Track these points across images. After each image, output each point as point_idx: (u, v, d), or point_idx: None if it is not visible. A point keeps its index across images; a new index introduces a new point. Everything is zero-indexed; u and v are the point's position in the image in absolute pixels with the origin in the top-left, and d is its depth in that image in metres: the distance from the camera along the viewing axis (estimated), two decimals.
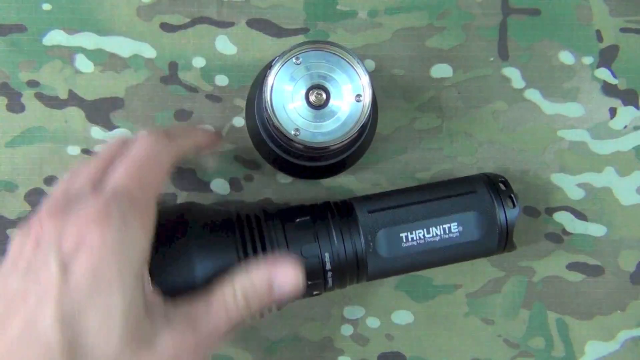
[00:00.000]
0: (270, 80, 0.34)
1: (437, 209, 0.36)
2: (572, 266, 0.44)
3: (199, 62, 0.43)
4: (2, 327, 0.29)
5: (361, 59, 0.35)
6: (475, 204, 0.37)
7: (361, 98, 0.35)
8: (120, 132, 0.43)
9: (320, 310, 0.43)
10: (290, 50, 0.34)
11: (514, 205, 0.37)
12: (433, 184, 0.39)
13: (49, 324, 0.28)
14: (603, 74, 0.44)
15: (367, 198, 0.38)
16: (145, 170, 0.33)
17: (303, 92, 0.35)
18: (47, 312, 0.28)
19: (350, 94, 0.35)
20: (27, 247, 0.30)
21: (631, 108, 0.44)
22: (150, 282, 0.31)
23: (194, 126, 0.42)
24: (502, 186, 0.38)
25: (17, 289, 0.29)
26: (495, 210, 0.37)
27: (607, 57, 0.44)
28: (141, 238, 0.31)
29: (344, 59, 0.35)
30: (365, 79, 0.34)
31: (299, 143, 0.35)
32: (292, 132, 0.34)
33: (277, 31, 0.43)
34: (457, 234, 0.36)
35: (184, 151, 0.36)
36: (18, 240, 0.31)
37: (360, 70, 0.35)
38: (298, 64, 0.35)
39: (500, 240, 0.37)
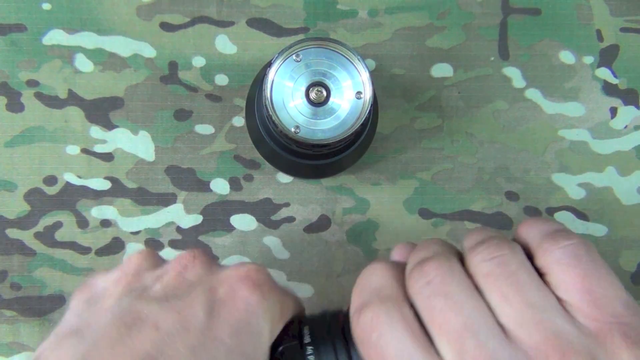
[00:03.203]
0: (270, 76, 0.34)
1: None
2: None
3: (198, 61, 0.43)
4: (121, 343, 0.26)
5: (361, 56, 0.35)
6: None
7: (361, 95, 0.35)
8: (119, 132, 0.43)
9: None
10: (291, 47, 0.34)
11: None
12: None
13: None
14: (603, 73, 0.44)
15: None
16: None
17: (303, 89, 0.35)
18: (179, 347, 0.26)
19: (351, 91, 0.35)
20: (171, 273, 0.30)
21: (632, 108, 0.44)
22: None
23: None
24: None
25: (149, 311, 0.27)
26: None
27: (607, 57, 0.44)
28: (270, 317, 0.29)
29: (344, 56, 0.35)
30: (365, 75, 0.34)
31: (299, 141, 0.34)
32: (292, 130, 0.34)
33: (277, 30, 0.43)
34: None
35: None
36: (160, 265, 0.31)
37: (361, 67, 0.34)
38: (298, 61, 0.35)
39: None
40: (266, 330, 0.29)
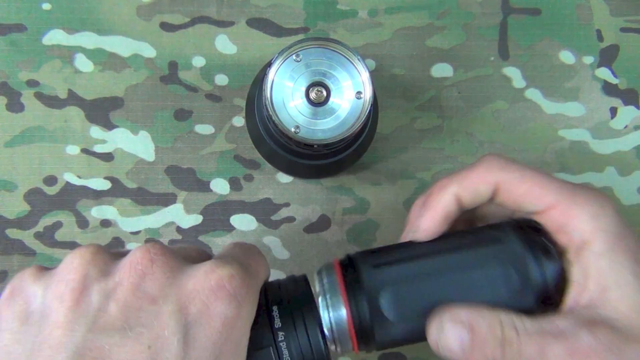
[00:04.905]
0: (270, 76, 0.34)
1: (455, 263, 0.29)
2: None
3: (198, 61, 0.43)
4: None
5: (361, 56, 0.35)
6: (502, 257, 0.28)
7: (361, 95, 0.35)
8: (119, 132, 0.43)
9: None
10: (291, 47, 0.34)
11: (550, 255, 0.28)
12: (448, 235, 0.31)
13: None
14: (604, 73, 0.44)
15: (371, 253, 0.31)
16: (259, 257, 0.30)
17: (303, 89, 0.35)
18: None
19: (351, 91, 0.35)
20: (126, 286, 0.25)
21: (632, 108, 0.44)
22: None
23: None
24: (534, 233, 0.29)
25: (111, 346, 0.23)
26: (527, 263, 0.28)
27: (607, 57, 0.44)
28: (249, 321, 0.27)
29: (344, 56, 0.35)
30: (365, 75, 0.34)
31: (299, 141, 0.34)
32: (293, 130, 0.34)
33: (277, 30, 0.43)
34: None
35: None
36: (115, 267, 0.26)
37: (361, 66, 0.34)
38: (298, 61, 0.35)
39: (538, 300, 0.28)
40: (246, 336, 0.26)
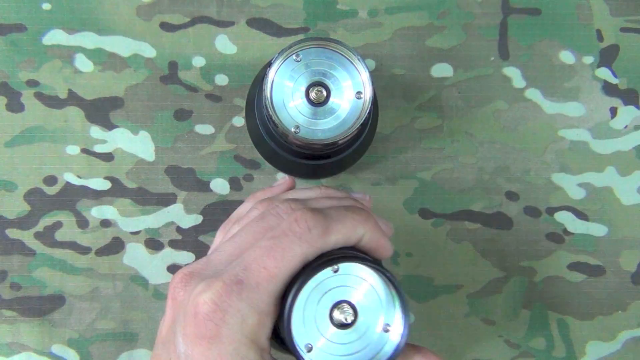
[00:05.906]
0: (270, 77, 0.34)
1: None
2: (573, 266, 0.44)
3: (198, 61, 0.43)
4: None
5: (361, 56, 0.35)
6: None
7: (361, 95, 0.35)
8: (119, 132, 0.43)
9: None
10: (291, 47, 0.34)
11: None
12: None
13: None
14: (604, 73, 0.44)
15: None
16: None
17: (303, 89, 0.35)
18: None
19: (351, 91, 0.35)
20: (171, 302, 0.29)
21: (632, 108, 0.44)
22: None
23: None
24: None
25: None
26: None
27: (607, 57, 0.44)
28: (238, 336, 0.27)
29: (344, 56, 0.35)
30: (365, 75, 0.34)
31: (299, 141, 0.34)
32: (293, 130, 0.34)
33: (277, 30, 0.43)
34: None
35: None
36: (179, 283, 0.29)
37: (361, 66, 0.34)
38: (298, 61, 0.35)
39: None
40: (242, 342, 0.27)
